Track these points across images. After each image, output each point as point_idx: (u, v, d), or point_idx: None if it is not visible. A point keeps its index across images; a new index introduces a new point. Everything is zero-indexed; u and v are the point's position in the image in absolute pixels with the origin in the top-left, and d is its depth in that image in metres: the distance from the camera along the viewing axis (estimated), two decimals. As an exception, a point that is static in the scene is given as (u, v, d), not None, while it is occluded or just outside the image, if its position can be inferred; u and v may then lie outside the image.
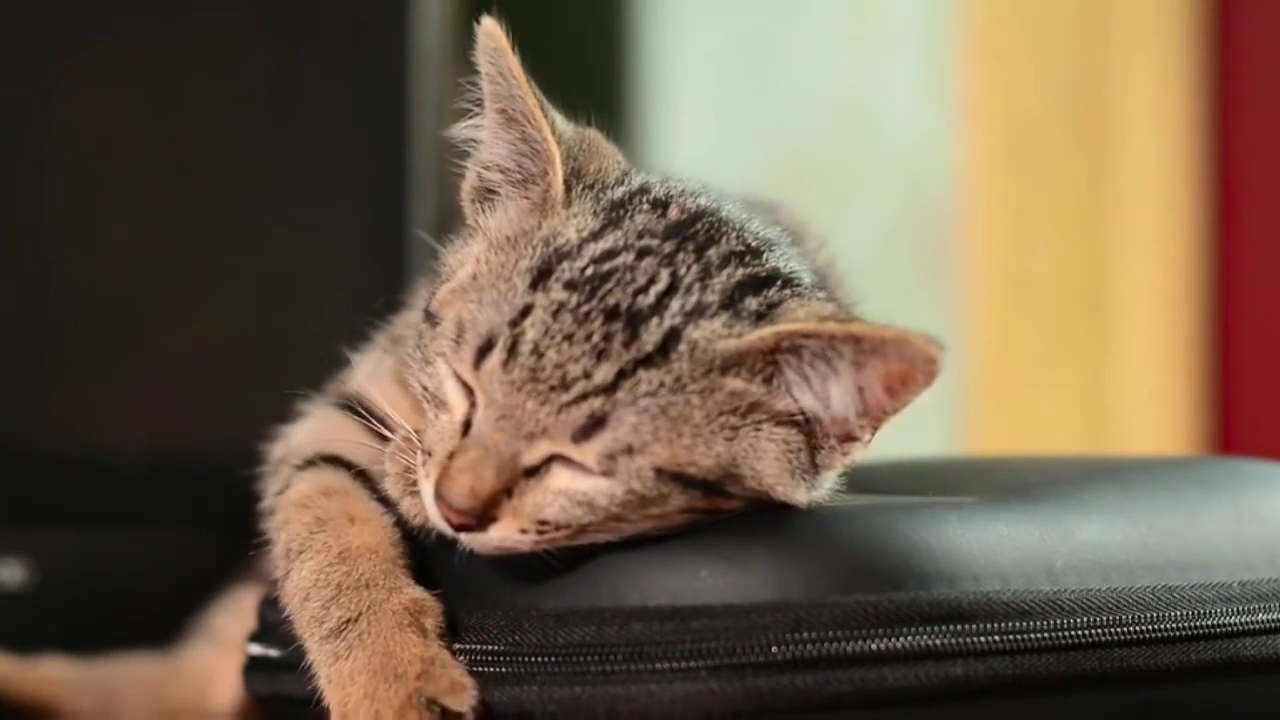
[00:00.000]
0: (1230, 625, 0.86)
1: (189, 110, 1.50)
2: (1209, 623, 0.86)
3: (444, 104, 1.60)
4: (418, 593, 0.85)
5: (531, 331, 0.80)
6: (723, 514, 0.82)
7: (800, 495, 0.83)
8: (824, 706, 0.79)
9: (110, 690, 1.25)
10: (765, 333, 0.81)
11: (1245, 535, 0.91)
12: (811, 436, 0.83)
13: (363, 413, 0.92)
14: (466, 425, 0.82)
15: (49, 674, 1.25)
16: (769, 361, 0.81)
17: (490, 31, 0.86)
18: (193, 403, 1.48)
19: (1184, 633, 0.85)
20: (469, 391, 0.82)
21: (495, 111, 0.87)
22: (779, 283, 0.84)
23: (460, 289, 0.85)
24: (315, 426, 0.96)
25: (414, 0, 1.53)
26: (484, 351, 0.81)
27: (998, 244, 2.18)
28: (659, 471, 0.80)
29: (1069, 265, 2.22)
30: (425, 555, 0.87)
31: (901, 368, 0.80)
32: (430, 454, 0.83)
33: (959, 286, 2.16)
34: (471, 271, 0.86)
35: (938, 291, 2.16)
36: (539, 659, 0.81)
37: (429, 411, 0.85)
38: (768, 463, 0.82)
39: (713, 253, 0.84)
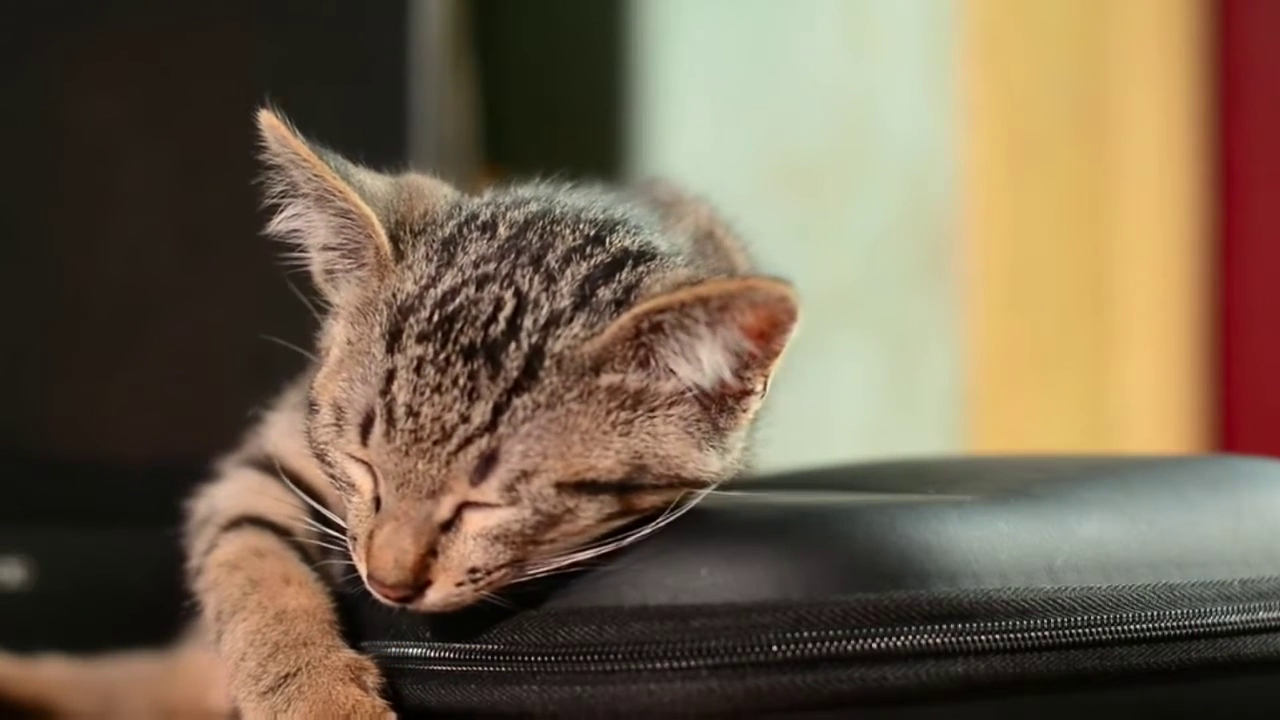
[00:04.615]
0: (1230, 624, 0.86)
1: (189, 110, 1.50)
2: (1209, 621, 0.86)
3: (444, 104, 1.61)
4: (356, 654, 0.85)
5: (401, 394, 0.80)
6: (643, 514, 0.82)
7: (713, 463, 0.83)
8: (825, 705, 0.79)
9: (110, 690, 1.25)
10: (622, 321, 0.80)
11: (1245, 533, 0.91)
12: (707, 406, 0.82)
13: (282, 474, 0.92)
14: (378, 501, 0.82)
15: (49, 674, 1.25)
16: (638, 346, 0.81)
17: (269, 124, 0.85)
18: (193, 403, 1.48)
19: (1184, 631, 0.85)
20: (369, 468, 0.82)
21: (302, 197, 0.86)
22: (630, 262, 0.84)
23: (331, 372, 0.85)
24: (237, 487, 0.96)
25: (414, 0, 1.53)
26: (366, 427, 0.81)
27: (998, 244, 2.18)
28: (560, 486, 0.79)
29: (1069, 265, 2.22)
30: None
31: (760, 314, 0.80)
32: (355, 538, 0.83)
33: (959, 286, 2.16)
34: (337, 353, 0.85)
35: (938, 291, 2.16)
36: (539, 658, 0.81)
37: (344, 497, 0.84)
38: (671, 444, 0.82)
39: (550, 257, 0.83)
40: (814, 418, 2.09)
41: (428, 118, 1.52)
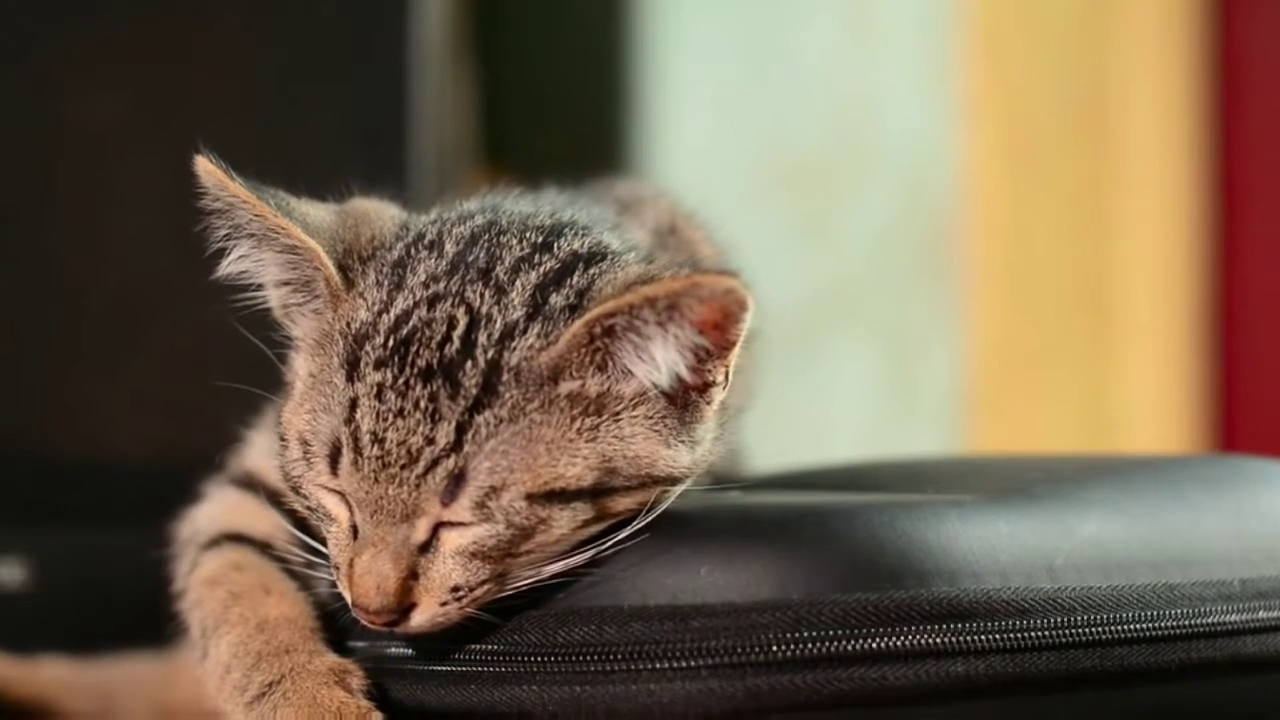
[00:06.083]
0: (1231, 623, 0.86)
1: (189, 110, 1.50)
2: (1210, 620, 0.86)
3: (444, 104, 1.60)
4: (339, 658, 0.85)
5: (365, 422, 0.80)
6: (620, 518, 0.82)
7: (683, 458, 0.83)
8: (824, 705, 0.79)
9: (110, 690, 1.25)
10: (575, 328, 0.80)
11: (1246, 533, 0.91)
12: (671, 402, 0.82)
13: (263, 494, 0.92)
14: (355, 529, 0.82)
15: (49, 674, 1.25)
16: (593, 351, 0.81)
17: (205, 169, 0.85)
18: (193, 402, 1.48)
19: (1184, 631, 0.85)
20: (343, 497, 0.82)
21: (247, 238, 0.86)
22: (580, 265, 0.84)
23: (295, 405, 0.85)
24: (217, 507, 0.96)
25: (414, 0, 1.53)
26: (334, 458, 0.81)
27: (998, 244, 2.18)
28: (530, 498, 0.79)
29: (1069, 265, 2.23)
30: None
31: (710, 308, 0.79)
32: (337, 567, 0.83)
33: (959, 286, 2.16)
34: (300, 386, 0.86)
35: (938, 291, 2.16)
36: (539, 659, 0.81)
37: (323, 527, 0.85)
38: (638, 444, 0.81)
39: (499, 269, 0.83)
40: (814, 418, 2.09)
41: (428, 118, 1.52)
